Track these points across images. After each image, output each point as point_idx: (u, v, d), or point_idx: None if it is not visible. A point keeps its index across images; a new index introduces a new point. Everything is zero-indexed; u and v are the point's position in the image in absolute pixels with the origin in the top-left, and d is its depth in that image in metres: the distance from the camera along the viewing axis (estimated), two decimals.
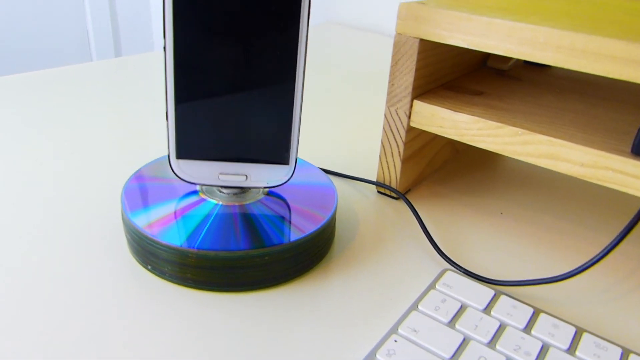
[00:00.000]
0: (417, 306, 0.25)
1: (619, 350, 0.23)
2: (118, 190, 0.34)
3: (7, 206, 0.32)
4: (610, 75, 0.25)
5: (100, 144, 0.41)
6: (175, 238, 0.26)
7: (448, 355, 0.22)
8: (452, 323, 0.24)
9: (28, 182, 0.35)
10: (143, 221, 0.27)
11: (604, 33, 0.26)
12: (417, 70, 0.32)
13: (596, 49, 0.25)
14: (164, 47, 0.25)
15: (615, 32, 0.26)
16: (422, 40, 0.31)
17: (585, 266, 0.25)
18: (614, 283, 0.29)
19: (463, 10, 0.29)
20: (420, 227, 0.32)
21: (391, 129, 0.34)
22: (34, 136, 0.41)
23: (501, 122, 0.30)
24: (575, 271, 0.25)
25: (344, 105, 0.52)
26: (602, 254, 0.25)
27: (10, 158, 0.37)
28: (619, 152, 0.27)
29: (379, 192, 0.36)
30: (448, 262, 0.28)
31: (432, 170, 0.40)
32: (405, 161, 0.35)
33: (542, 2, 0.35)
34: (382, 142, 0.35)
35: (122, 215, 0.28)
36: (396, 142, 0.34)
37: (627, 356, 0.23)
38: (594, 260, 0.25)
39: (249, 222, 0.27)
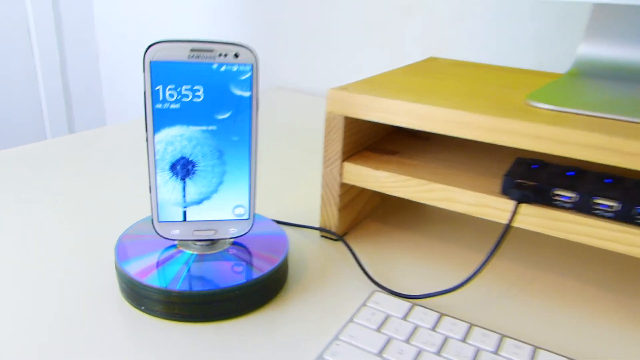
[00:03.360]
0: (353, 319, 0.33)
1: (498, 337, 0.31)
2: (103, 252, 0.41)
3: (14, 279, 0.38)
4: (480, 140, 0.35)
5: (79, 212, 0.47)
6: (162, 282, 0.33)
7: (376, 350, 0.30)
8: (379, 329, 0.32)
9: (23, 251, 0.41)
10: (134, 270, 0.34)
11: (475, 109, 0.36)
12: (344, 139, 0.41)
13: (469, 121, 0.35)
14: (147, 139, 0.33)
15: (484, 107, 0.36)
16: (346, 117, 0.40)
17: (466, 280, 0.34)
18: (492, 291, 0.38)
19: (375, 94, 0.39)
20: (355, 261, 0.40)
21: (328, 185, 0.43)
22: (25, 210, 0.47)
23: (410, 175, 0.39)
24: (461, 284, 0.34)
25: (290, 163, 0.60)
26: (477, 270, 0.34)
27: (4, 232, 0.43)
28: (494, 193, 0.37)
29: (322, 235, 0.44)
30: (376, 285, 0.37)
31: (365, 215, 0.49)
32: (341, 210, 0.43)
33: (436, 82, 0.46)
34: (321, 195, 0.43)
35: (116, 267, 0.35)
36: (332, 195, 0.43)
37: (504, 341, 0.31)
38: (471, 275, 0.34)
39: (219, 266, 0.35)
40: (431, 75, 0.48)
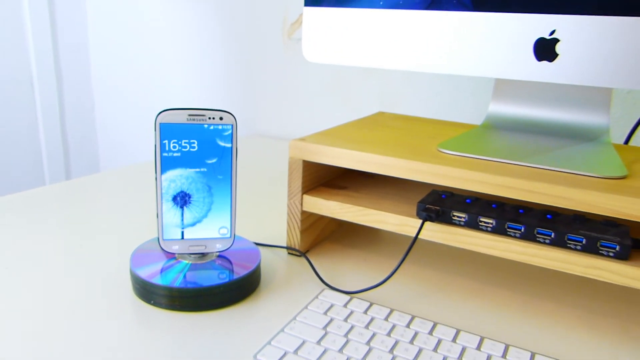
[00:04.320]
0: (307, 307, 0.45)
1: (409, 317, 0.44)
2: (116, 266, 0.53)
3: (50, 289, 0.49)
4: (401, 177, 0.49)
5: (93, 239, 0.59)
6: (166, 282, 0.45)
7: (322, 326, 0.42)
8: (325, 313, 0.44)
9: (55, 267, 0.52)
10: (145, 274, 0.46)
11: (396, 155, 0.49)
12: (303, 177, 0.54)
13: (391, 164, 0.49)
14: (156, 178, 0.45)
15: (404, 153, 0.50)
16: (304, 161, 0.53)
17: (386, 278, 0.47)
18: (411, 289, 0.50)
19: (326, 144, 0.52)
20: (313, 270, 0.53)
21: (292, 212, 0.55)
22: (50, 240, 0.59)
23: (352, 204, 0.52)
24: (383, 281, 0.47)
25: (263, 195, 0.73)
26: (394, 270, 0.47)
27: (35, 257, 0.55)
28: (411, 215, 0.50)
29: (288, 252, 0.57)
30: (327, 285, 0.49)
31: (324, 237, 0.61)
32: (303, 232, 0.56)
33: (376, 133, 0.59)
34: (287, 221, 0.56)
35: (131, 272, 0.47)
36: (296, 220, 0.55)
37: (413, 320, 0.44)
38: (390, 274, 0.47)
39: (208, 271, 0.47)
40: (374, 127, 0.62)
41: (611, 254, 0.42)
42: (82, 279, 0.50)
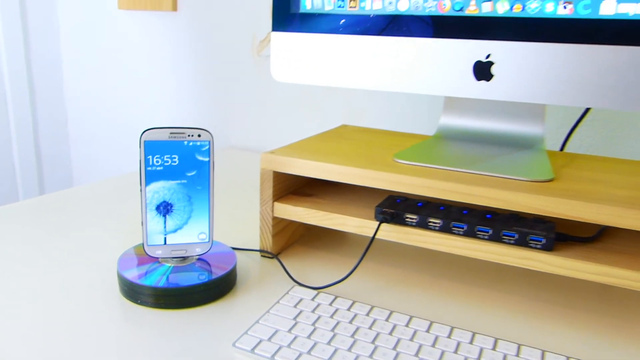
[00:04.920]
0: (279, 302, 0.51)
1: (369, 307, 0.50)
2: (102, 271, 0.57)
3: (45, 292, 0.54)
4: (360, 184, 0.55)
5: (79, 249, 0.63)
6: (151, 282, 0.50)
7: (292, 317, 0.48)
8: (295, 306, 0.50)
9: (48, 273, 0.57)
10: (131, 276, 0.51)
11: (355, 165, 0.56)
12: (274, 186, 0.60)
13: (350, 173, 0.55)
14: (140, 190, 0.51)
15: (363, 163, 0.56)
16: (274, 172, 0.59)
17: (347, 274, 0.53)
18: (371, 283, 0.57)
19: (293, 157, 0.58)
20: (284, 270, 0.58)
21: (264, 218, 0.61)
22: (40, 250, 0.63)
23: (318, 209, 0.58)
24: (344, 277, 0.53)
25: (238, 203, 0.78)
26: (354, 267, 0.53)
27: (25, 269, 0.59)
28: (370, 218, 0.56)
29: (261, 255, 0.62)
30: (296, 282, 0.55)
31: (294, 240, 0.67)
32: (274, 236, 0.62)
33: (338, 145, 0.66)
34: (260, 226, 0.62)
35: (118, 274, 0.52)
36: (268, 225, 0.61)
37: (372, 309, 0.50)
38: (351, 271, 0.53)
39: (189, 273, 0.52)
40: (338, 140, 0.69)
41: (539, 247, 0.50)
42: (71, 285, 0.54)
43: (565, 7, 0.53)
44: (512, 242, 0.51)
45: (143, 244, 0.52)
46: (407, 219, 0.54)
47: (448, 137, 0.67)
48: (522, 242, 0.50)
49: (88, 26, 1.36)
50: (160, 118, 1.30)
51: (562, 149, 0.74)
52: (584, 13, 0.52)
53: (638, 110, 0.52)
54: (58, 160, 1.50)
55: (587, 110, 0.71)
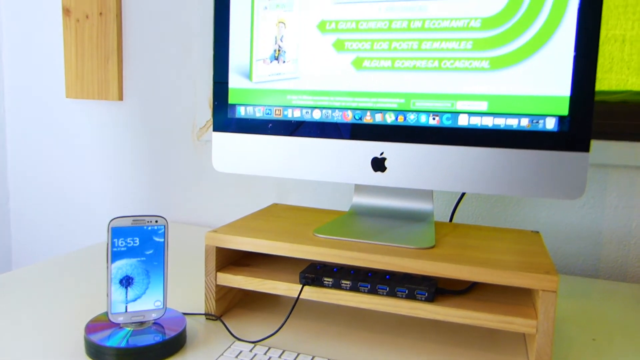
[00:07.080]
0: (223, 354, 0.62)
1: (295, 354, 0.63)
2: (71, 336, 0.67)
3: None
4: (287, 255, 0.69)
5: (52, 318, 0.72)
6: (113, 343, 0.61)
7: None
8: (236, 357, 0.62)
9: (23, 339, 0.65)
10: (96, 339, 0.61)
11: (281, 240, 0.70)
12: (216, 259, 0.73)
13: (277, 247, 0.69)
14: (107, 267, 0.62)
15: (287, 238, 0.71)
16: (217, 247, 0.72)
17: (276, 330, 0.66)
18: (302, 336, 0.70)
19: (232, 234, 0.72)
20: (226, 329, 0.70)
21: (208, 286, 0.73)
22: (11, 323, 0.71)
23: (254, 277, 0.72)
24: (274, 332, 0.66)
25: (186, 274, 0.90)
26: (282, 323, 0.66)
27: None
28: (296, 282, 0.70)
29: (206, 318, 0.74)
30: (236, 338, 0.67)
31: (235, 303, 0.79)
32: (217, 300, 0.74)
33: (268, 223, 0.80)
34: (205, 293, 0.74)
35: (85, 338, 0.62)
36: (212, 292, 0.73)
37: (298, 356, 0.63)
38: (279, 326, 0.66)
39: (146, 335, 0.63)
40: (269, 218, 0.83)
41: (423, 299, 0.65)
42: (40, 349, 0.63)
43: (434, 119, 0.72)
44: (403, 296, 0.66)
45: (107, 312, 0.63)
46: (324, 282, 0.69)
47: (359, 213, 0.84)
48: (411, 296, 0.66)
49: (34, 114, 1.46)
50: (107, 198, 1.40)
51: (450, 219, 0.92)
52: (447, 123, 0.71)
53: (500, 193, 0.70)
54: None
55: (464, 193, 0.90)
